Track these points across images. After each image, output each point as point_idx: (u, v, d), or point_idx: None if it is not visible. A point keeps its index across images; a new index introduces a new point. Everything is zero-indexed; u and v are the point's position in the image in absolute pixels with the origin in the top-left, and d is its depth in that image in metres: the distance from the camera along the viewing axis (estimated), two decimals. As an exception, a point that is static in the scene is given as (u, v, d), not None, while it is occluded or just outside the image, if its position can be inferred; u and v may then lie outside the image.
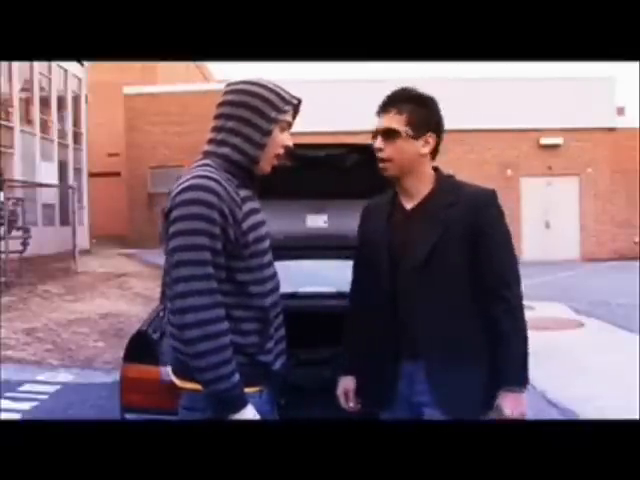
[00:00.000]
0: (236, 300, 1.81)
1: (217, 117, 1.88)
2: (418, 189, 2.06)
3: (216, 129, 1.87)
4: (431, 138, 2.04)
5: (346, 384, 2.22)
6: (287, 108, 1.86)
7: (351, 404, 2.22)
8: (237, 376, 1.73)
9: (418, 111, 2.01)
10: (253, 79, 1.89)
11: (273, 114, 1.83)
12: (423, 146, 2.03)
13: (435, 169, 2.11)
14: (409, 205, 2.08)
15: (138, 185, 21.95)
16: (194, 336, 1.70)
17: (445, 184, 2.07)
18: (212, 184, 1.74)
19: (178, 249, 1.74)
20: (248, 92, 1.84)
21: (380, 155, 2.04)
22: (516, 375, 2.00)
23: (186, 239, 1.72)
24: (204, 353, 1.70)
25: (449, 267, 1.99)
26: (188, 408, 1.84)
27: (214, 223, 1.72)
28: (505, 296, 2.00)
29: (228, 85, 1.91)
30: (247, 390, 1.81)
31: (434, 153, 2.08)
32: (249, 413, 1.75)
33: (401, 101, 2.02)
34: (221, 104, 1.88)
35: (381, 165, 2.06)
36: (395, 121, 2.00)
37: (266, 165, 1.90)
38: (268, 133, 1.84)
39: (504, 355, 1.98)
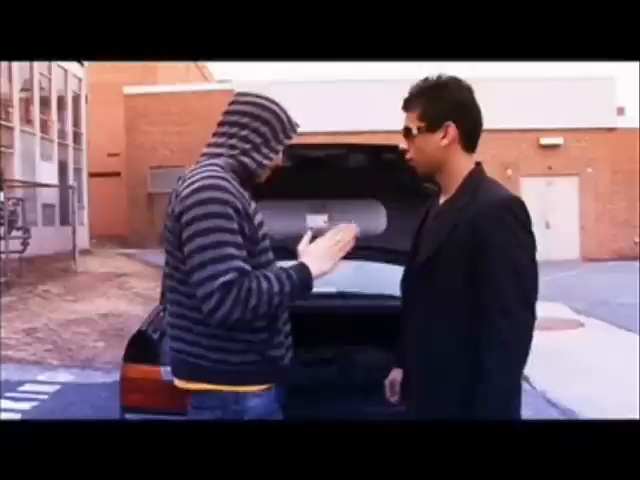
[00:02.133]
0: None
1: (230, 124, 1.90)
2: (449, 185, 1.91)
3: (227, 135, 1.89)
4: (451, 128, 1.84)
5: (394, 375, 2.19)
6: (292, 135, 1.96)
7: (389, 394, 2.20)
8: (282, 273, 1.78)
9: (431, 103, 1.87)
10: (268, 96, 1.95)
11: (281, 136, 1.92)
12: (443, 137, 1.86)
13: (476, 167, 1.91)
14: (441, 202, 1.97)
15: (138, 185, 21.94)
16: (238, 315, 1.70)
17: (469, 183, 1.87)
18: (222, 182, 1.76)
19: (198, 250, 1.71)
20: (266, 108, 1.91)
21: (407, 157, 1.96)
22: (490, 417, 1.73)
23: (205, 239, 1.71)
24: (257, 305, 1.71)
25: (447, 275, 1.82)
26: (197, 407, 1.85)
27: (231, 219, 1.73)
28: (495, 323, 1.73)
29: (242, 95, 1.94)
30: (256, 388, 1.83)
31: (466, 144, 1.89)
32: (313, 264, 1.82)
33: (414, 97, 1.91)
34: (235, 112, 1.91)
35: (412, 166, 1.97)
36: (410, 120, 1.91)
37: (261, 177, 1.96)
38: (276, 152, 1.93)
39: (480, 391, 1.74)
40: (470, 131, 1.89)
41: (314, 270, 1.82)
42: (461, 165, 1.90)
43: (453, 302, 1.82)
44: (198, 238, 1.71)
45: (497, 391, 1.73)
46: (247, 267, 1.73)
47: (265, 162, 1.91)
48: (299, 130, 1.98)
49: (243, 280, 1.70)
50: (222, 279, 1.68)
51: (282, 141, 1.93)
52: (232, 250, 1.71)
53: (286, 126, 1.93)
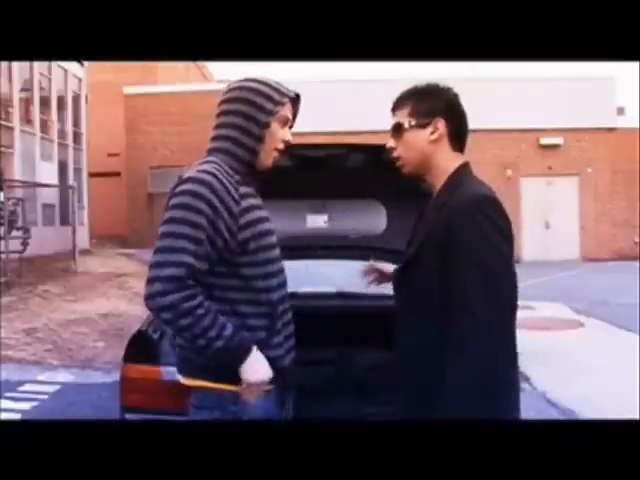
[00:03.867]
0: (243, 295, 1.83)
1: (218, 115, 1.93)
2: (435, 185, 1.92)
3: (217, 126, 1.92)
4: (440, 123, 1.87)
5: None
6: (284, 100, 1.90)
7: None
8: (229, 329, 1.75)
9: (421, 101, 1.91)
10: (250, 76, 1.94)
11: (270, 106, 1.87)
12: (432, 133, 1.88)
13: (462, 166, 1.90)
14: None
15: (138, 185, 21.96)
16: (169, 317, 1.71)
17: (452, 182, 1.87)
18: (207, 177, 1.77)
19: (159, 236, 1.77)
20: (245, 88, 1.90)
21: (393, 155, 1.96)
22: (443, 414, 1.72)
23: (168, 227, 1.76)
24: (187, 327, 1.72)
25: (425, 273, 1.82)
26: (197, 406, 1.85)
27: (200, 213, 1.74)
28: (455, 321, 1.71)
29: (228, 85, 1.96)
30: None
31: (454, 143, 1.91)
32: (256, 356, 1.78)
33: (404, 98, 1.94)
34: (221, 102, 1.93)
35: (398, 165, 1.97)
36: (400, 116, 1.93)
37: (267, 159, 1.92)
38: (266, 125, 1.87)
39: (443, 389, 1.73)
40: (458, 130, 1.92)
41: (249, 364, 1.77)
42: (448, 164, 1.91)
43: (432, 300, 1.81)
44: (163, 225, 1.77)
45: (451, 391, 1.71)
46: (197, 264, 1.73)
47: (258, 146, 1.87)
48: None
49: (195, 294, 1.72)
50: (171, 270, 1.70)
51: (272, 111, 1.87)
52: (187, 244, 1.72)
53: (271, 95, 1.88)
